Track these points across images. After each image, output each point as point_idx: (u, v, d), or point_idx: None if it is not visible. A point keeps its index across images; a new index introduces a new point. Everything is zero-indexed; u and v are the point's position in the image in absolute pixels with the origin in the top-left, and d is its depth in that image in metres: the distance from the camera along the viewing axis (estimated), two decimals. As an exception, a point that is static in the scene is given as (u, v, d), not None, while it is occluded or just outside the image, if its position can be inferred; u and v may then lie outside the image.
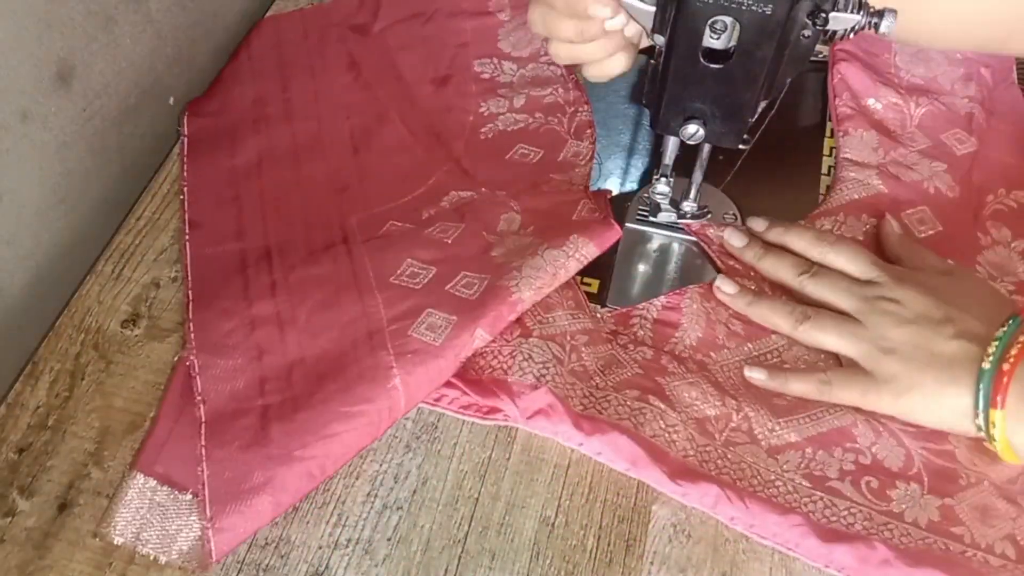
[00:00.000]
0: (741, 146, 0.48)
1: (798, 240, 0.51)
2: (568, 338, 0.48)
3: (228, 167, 0.58)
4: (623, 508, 0.44)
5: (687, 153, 0.50)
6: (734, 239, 0.52)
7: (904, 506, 0.43)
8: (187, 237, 0.54)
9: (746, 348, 0.49)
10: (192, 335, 0.49)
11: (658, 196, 0.53)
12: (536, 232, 0.51)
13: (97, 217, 0.55)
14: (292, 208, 0.56)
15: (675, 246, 0.54)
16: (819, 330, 0.47)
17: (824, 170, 0.58)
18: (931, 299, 0.45)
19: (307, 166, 0.58)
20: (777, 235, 0.52)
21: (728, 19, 0.41)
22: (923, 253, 0.50)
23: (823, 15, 0.41)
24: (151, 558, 0.42)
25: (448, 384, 0.46)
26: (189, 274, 0.52)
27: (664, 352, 0.48)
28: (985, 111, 0.59)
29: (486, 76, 0.63)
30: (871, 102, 0.60)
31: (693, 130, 0.46)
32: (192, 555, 0.41)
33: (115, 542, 0.42)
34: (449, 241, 0.51)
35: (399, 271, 0.50)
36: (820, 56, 0.63)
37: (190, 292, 0.51)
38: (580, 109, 0.60)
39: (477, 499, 0.45)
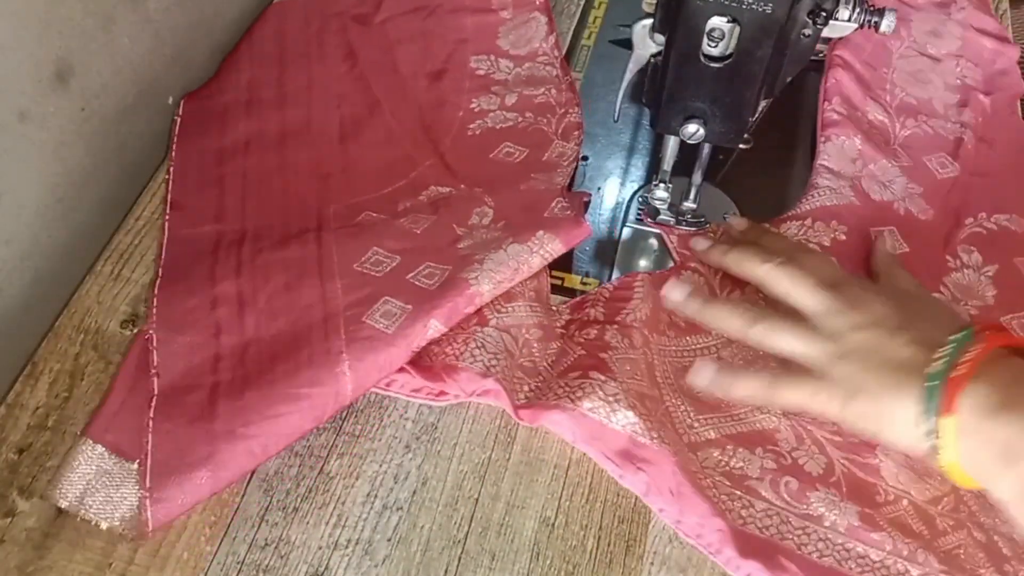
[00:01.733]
0: (742, 146, 0.48)
1: (773, 244, 0.50)
2: (523, 331, 0.48)
3: (216, 148, 0.58)
4: (623, 508, 0.44)
5: (688, 154, 0.50)
6: (699, 244, 0.52)
7: (823, 509, 0.43)
8: (167, 217, 0.54)
9: (685, 340, 0.49)
10: (154, 310, 0.49)
11: (657, 201, 0.53)
12: (506, 227, 0.51)
13: (96, 217, 0.54)
14: (273, 193, 0.56)
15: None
16: (773, 332, 0.45)
17: (824, 169, 0.58)
18: (891, 307, 0.44)
19: (293, 152, 0.58)
20: (755, 236, 0.51)
21: (726, 27, 0.41)
22: (901, 274, 0.49)
23: (823, 14, 0.41)
24: (93, 523, 0.42)
25: (399, 369, 0.46)
26: (163, 252, 0.53)
27: (611, 325, 0.48)
28: (976, 138, 0.59)
29: (481, 73, 0.63)
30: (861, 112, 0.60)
31: (693, 129, 0.46)
32: (131, 523, 0.42)
33: (60, 504, 0.43)
34: (418, 232, 0.52)
35: (363, 258, 0.50)
36: (820, 55, 0.63)
37: (160, 270, 0.52)
38: (570, 111, 0.60)
39: (477, 499, 0.45)
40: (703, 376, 0.46)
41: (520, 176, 0.55)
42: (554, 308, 0.51)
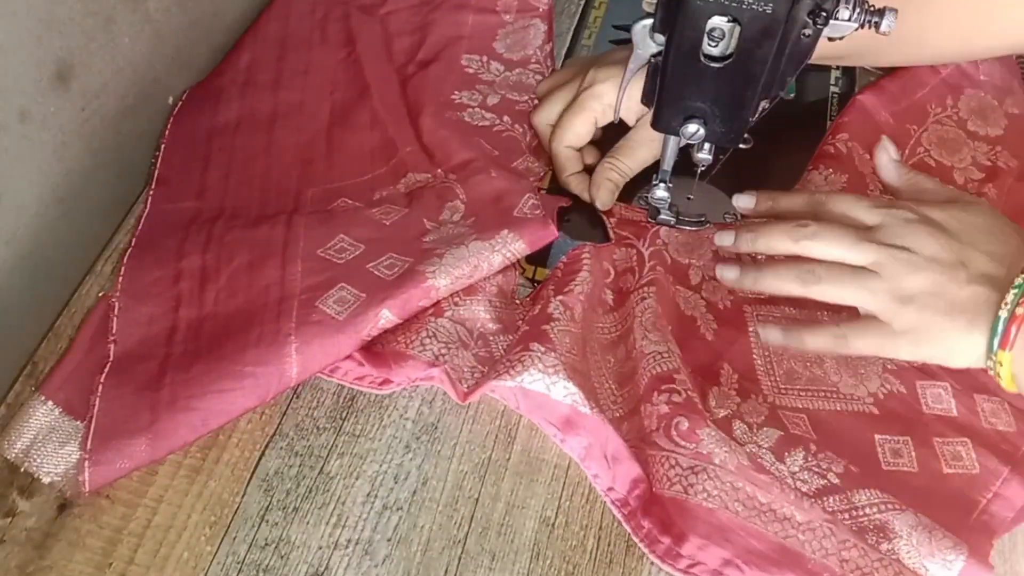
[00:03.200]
0: (742, 145, 0.48)
1: (790, 204, 0.51)
2: (478, 324, 0.49)
3: (208, 127, 0.59)
4: (623, 508, 0.44)
5: (688, 155, 0.50)
6: (723, 239, 0.51)
7: (712, 446, 0.43)
8: (151, 192, 0.55)
9: (612, 316, 0.51)
10: (120, 278, 0.50)
11: (657, 201, 0.53)
12: (475, 224, 0.52)
13: (96, 217, 0.54)
14: (255, 174, 0.57)
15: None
16: (837, 286, 0.45)
17: (824, 169, 0.58)
18: (941, 239, 0.45)
19: (281, 135, 0.59)
20: (767, 206, 0.51)
21: (726, 26, 0.41)
22: (922, 181, 0.50)
23: (823, 14, 0.41)
24: (35, 476, 0.44)
25: (346, 357, 0.47)
26: (140, 224, 0.53)
27: (556, 296, 0.48)
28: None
29: (471, 71, 0.63)
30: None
31: (693, 129, 0.46)
32: (71, 482, 0.43)
33: (5, 455, 0.44)
34: (387, 223, 0.52)
35: (328, 244, 0.51)
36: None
37: (133, 239, 0.53)
38: None
39: (477, 499, 0.45)
40: (774, 336, 0.48)
41: (493, 164, 0.56)
42: (517, 302, 0.51)
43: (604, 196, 0.54)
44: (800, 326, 0.48)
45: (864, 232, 0.46)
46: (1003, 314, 0.42)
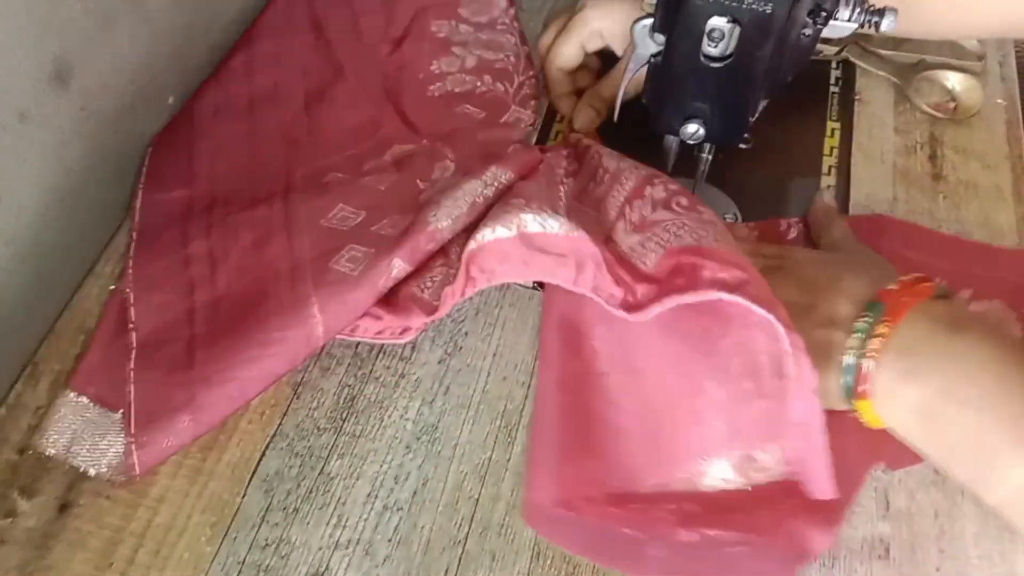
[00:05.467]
0: (742, 145, 0.48)
1: None
2: None
3: (187, 115, 0.60)
4: (623, 508, 0.44)
5: (688, 154, 0.50)
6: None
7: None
8: (141, 184, 0.56)
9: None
10: (130, 271, 0.51)
11: None
12: (467, 175, 0.53)
13: (96, 217, 0.54)
14: (240, 159, 0.57)
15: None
16: None
17: (824, 170, 0.58)
18: (796, 286, 0.45)
19: (260, 119, 0.59)
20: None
21: (726, 27, 0.41)
22: (834, 225, 0.51)
23: (823, 14, 0.41)
24: (81, 470, 0.44)
25: (364, 315, 0.47)
26: (137, 216, 0.54)
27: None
28: None
29: (442, 35, 0.64)
30: None
31: (693, 129, 0.46)
32: (118, 469, 0.44)
33: (47, 453, 0.45)
34: (383, 188, 0.54)
35: (330, 215, 0.52)
36: (820, 55, 0.63)
37: (134, 234, 0.53)
38: (527, 81, 0.62)
39: (477, 500, 0.45)
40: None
41: (479, 128, 0.57)
42: None
43: (581, 120, 0.58)
44: None
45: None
46: (849, 360, 0.41)
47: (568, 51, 0.58)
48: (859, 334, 0.42)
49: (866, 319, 0.42)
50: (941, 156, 0.59)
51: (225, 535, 0.43)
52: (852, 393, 0.41)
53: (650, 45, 0.45)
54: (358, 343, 0.50)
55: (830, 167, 0.58)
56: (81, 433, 0.45)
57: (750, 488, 0.43)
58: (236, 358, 0.45)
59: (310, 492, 0.45)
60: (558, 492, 0.43)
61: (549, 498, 0.43)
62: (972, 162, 0.59)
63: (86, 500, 0.44)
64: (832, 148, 0.60)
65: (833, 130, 0.61)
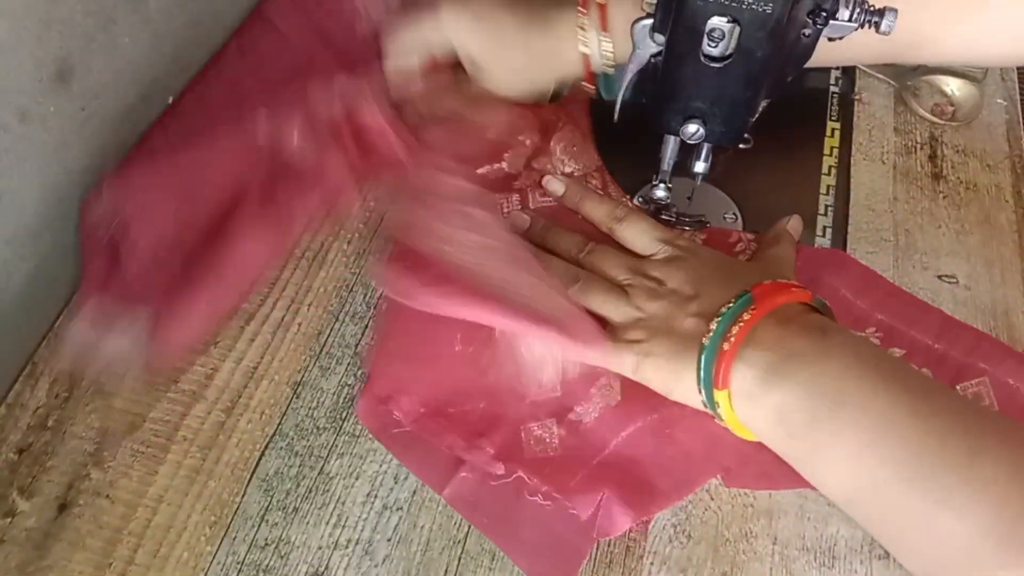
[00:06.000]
0: (742, 146, 0.48)
1: (592, 210, 0.53)
2: None
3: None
4: (623, 508, 0.44)
5: (688, 153, 0.50)
6: (553, 185, 0.55)
7: None
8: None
9: None
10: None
11: (656, 201, 0.53)
12: None
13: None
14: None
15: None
16: (586, 293, 0.48)
17: (824, 170, 0.58)
18: (688, 277, 0.46)
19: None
20: (572, 201, 0.54)
21: (726, 27, 0.41)
22: (780, 244, 0.50)
23: (823, 14, 0.41)
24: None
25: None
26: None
27: None
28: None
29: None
30: None
31: (693, 129, 0.46)
32: (139, 364, 0.47)
33: (68, 352, 0.48)
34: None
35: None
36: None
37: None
38: None
39: (477, 499, 0.45)
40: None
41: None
42: None
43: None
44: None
45: (635, 257, 0.50)
46: (706, 342, 0.42)
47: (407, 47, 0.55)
48: (721, 319, 0.42)
49: (730, 305, 0.42)
50: (941, 156, 0.59)
51: (224, 535, 0.43)
52: (710, 382, 0.41)
53: (650, 45, 0.45)
54: (357, 343, 0.50)
55: (830, 167, 0.58)
56: (101, 337, 0.47)
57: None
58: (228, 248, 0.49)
59: (310, 492, 0.45)
60: (389, 390, 0.47)
61: (380, 394, 0.47)
62: (972, 162, 0.59)
63: (86, 500, 0.44)
64: (832, 148, 0.60)
65: (833, 130, 0.61)
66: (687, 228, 0.54)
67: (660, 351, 0.44)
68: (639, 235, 0.50)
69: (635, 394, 0.47)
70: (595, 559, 0.43)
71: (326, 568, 0.42)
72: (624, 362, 0.45)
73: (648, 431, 0.46)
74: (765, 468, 0.45)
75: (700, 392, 0.42)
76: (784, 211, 0.55)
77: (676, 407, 0.46)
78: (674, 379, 0.44)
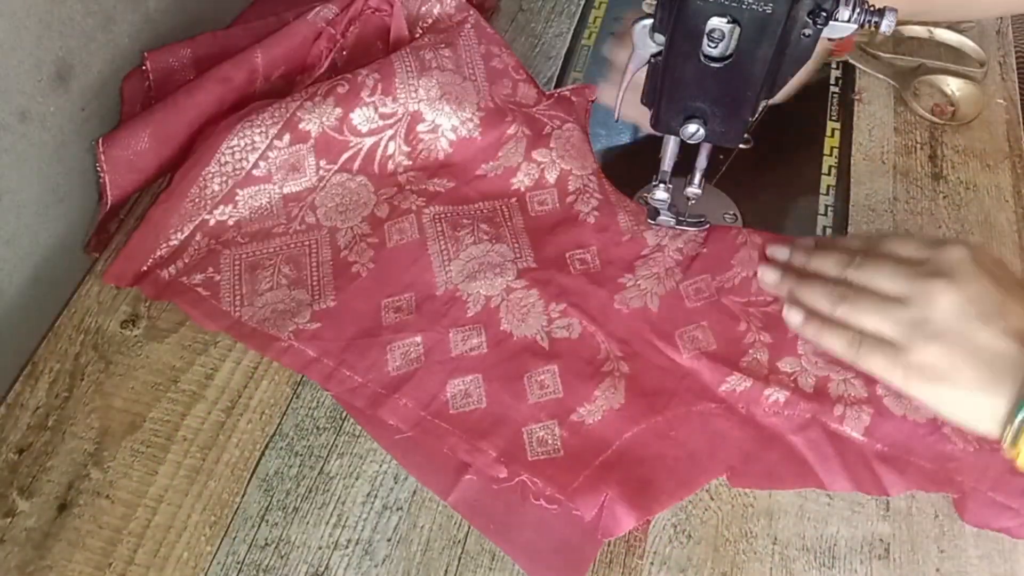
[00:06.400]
0: (742, 145, 0.48)
1: (822, 264, 0.47)
2: None
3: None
4: (623, 508, 0.44)
5: (687, 154, 0.50)
6: (767, 276, 0.50)
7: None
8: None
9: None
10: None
11: (657, 202, 0.53)
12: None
13: (96, 216, 0.54)
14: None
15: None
16: (856, 311, 0.43)
17: (824, 170, 0.58)
18: (977, 285, 0.41)
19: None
20: (801, 261, 0.49)
21: (726, 27, 0.41)
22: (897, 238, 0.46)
23: (823, 14, 0.41)
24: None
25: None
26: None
27: None
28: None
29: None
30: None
31: (693, 129, 0.46)
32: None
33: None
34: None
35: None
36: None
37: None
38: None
39: (477, 499, 0.45)
40: (794, 319, 0.47)
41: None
42: None
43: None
44: (823, 322, 0.46)
45: (910, 267, 0.43)
46: None
47: None
48: None
49: None
50: (941, 156, 0.59)
51: (224, 535, 0.43)
52: (1017, 439, 0.38)
53: (650, 45, 0.45)
54: (358, 343, 0.50)
55: (830, 167, 0.58)
56: None
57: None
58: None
59: (310, 491, 0.45)
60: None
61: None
62: (972, 162, 0.59)
63: (85, 500, 0.44)
64: (832, 148, 0.60)
65: (833, 130, 0.61)
66: (688, 228, 0.54)
67: (961, 374, 0.39)
68: (900, 245, 0.45)
69: (639, 396, 0.47)
70: (595, 558, 0.43)
71: (326, 568, 0.42)
72: (908, 381, 0.41)
73: (652, 432, 0.46)
74: (769, 468, 0.45)
75: (1010, 424, 0.38)
76: (784, 211, 0.55)
77: (681, 408, 0.46)
78: (974, 405, 0.39)
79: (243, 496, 0.44)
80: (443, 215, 0.54)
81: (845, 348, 0.44)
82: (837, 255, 0.47)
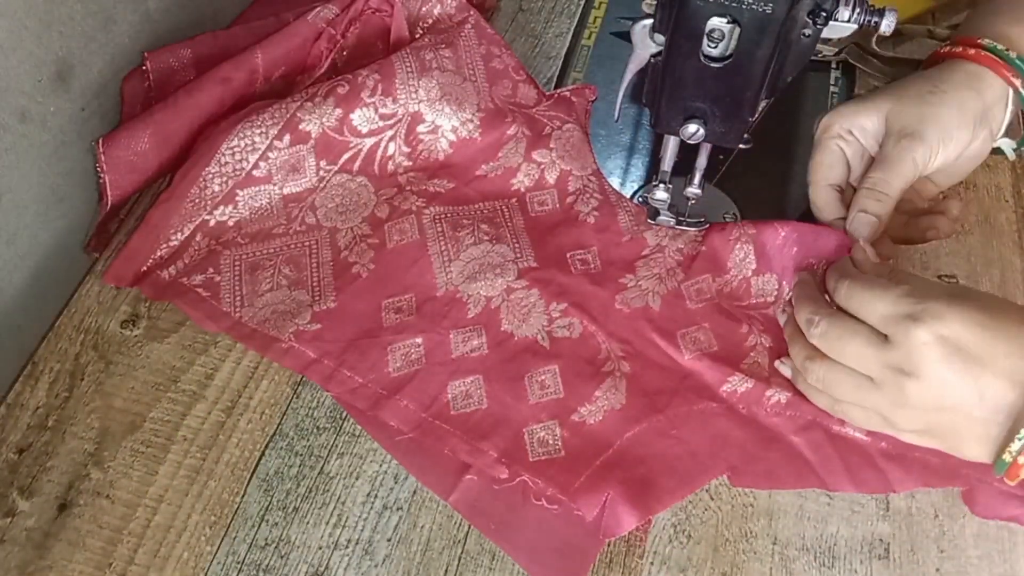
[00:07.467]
0: (742, 146, 0.48)
1: (797, 315, 0.45)
2: None
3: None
4: (623, 508, 0.44)
5: (687, 154, 0.50)
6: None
7: None
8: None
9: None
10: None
11: (657, 202, 0.53)
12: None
13: (96, 216, 0.54)
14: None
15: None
16: (830, 385, 0.43)
17: (824, 169, 0.58)
18: (958, 361, 0.38)
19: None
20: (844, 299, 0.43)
21: (725, 27, 0.41)
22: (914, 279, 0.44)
23: (823, 14, 0.41)
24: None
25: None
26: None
27: None
28: None
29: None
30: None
31: (693, 129, 0.46)
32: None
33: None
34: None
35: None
36: (820, 56, 0.63)
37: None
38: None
39: (477, 499, 0.45)
40: (785, 371, 0.47)
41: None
42: None
43: (861, 228, 0.48)
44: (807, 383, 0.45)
45: (876, 338, 0.41)
46: (1007, 458, 0.38)
47: (826, 159, 0.50)
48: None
49: None
50: (941, 156, 0.59)
51: (224, 535, 0.43)
52: (1005, 469, 0.39)
53: (650, 45, 0.45)
54: (358, 343, 0.50)
55: (830, 167, 0.58)
56: None
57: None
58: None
59: (310, 491, 0.45)
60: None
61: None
62: (972, 162, 0.59)
63: (86, 500, 0.44)
64: (832, 148, 0.59)
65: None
66: (688, 228, 0.54)
67: (955, 434, 0.40)
68: (866, 304, 0.41)
69: (640, 396, 0.47)
70: (596, 559, 0.43)
71: (326, 568, 0.42)
72: (902, 435, 0.42)
73: (653, 432, 0.46)
74: (770, 468, 0.45)
75: (997, 459, 0.39)
76: (784, 211, 0.55)
77: (682, 408, 0.46)
78: (968, 445, 0.40)
79: (243, 496, 0.44)
80: (443, 216, 0.54)
81: (829, 408, 0.45)
82: (808, 308, 0.44)
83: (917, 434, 0.42)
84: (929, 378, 0.39)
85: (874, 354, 0.40)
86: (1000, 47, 0.49)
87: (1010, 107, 0.50)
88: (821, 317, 0.43)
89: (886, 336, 0.40)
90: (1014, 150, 0.54)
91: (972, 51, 0.49)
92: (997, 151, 0.54)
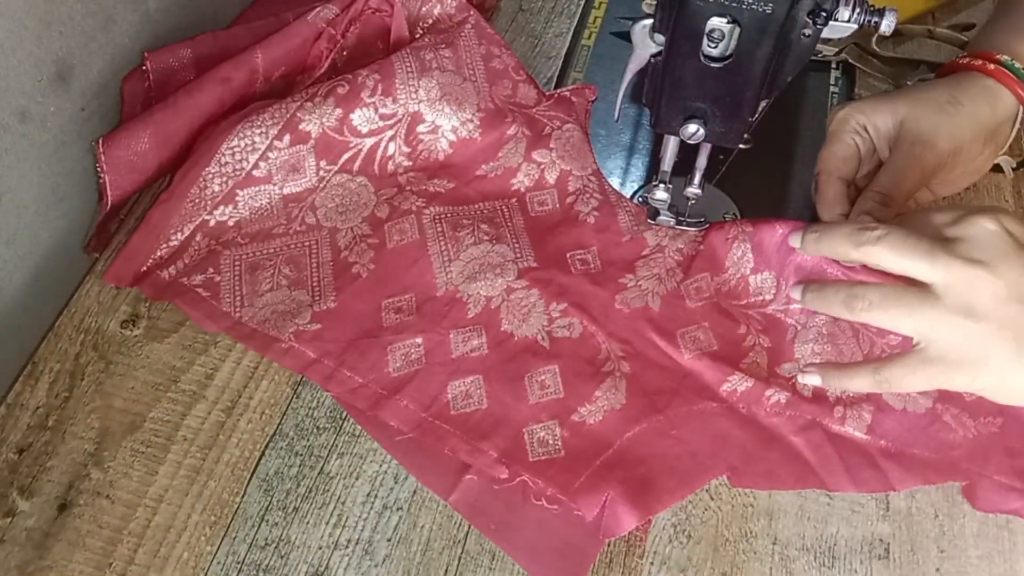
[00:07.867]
0: (742, 146, 0.48)
1: (832, 246, 0.44)
2: None
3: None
4: (623, 508, 0.44)
5: (687, 154, 0.50)
6: (793, 242, 0.48)
7: None
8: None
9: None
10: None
11: (657, 202, 0.53)
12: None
13: (96, 217, 0.54)
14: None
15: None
16: (889, 314, 0.41)
17: (824, 169, 0.58)
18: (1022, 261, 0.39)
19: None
20: (812, 247, 0.45)
21: (725, 27, 0.41)
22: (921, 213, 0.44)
23: (823, 14, 0.41)
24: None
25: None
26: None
27: None
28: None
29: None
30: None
31: (693, 129, 0.46)
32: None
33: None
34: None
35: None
36: (820, 56, 0.63)
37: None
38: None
39: (477, 499, 0.45)
40: (812, 380, 0.46)
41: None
42: None
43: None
44: (836, 367, 0.45)
45: (939, 243, 0.40)
46: None
47: (840, 152, 0.50)
48: None
49: None
50: (941, 156, 0.59)
51: (224, 535, 0.43)
52: None
53: (650, 45, 0.45)
54: (358, 343, 0.50)
55: (830, 167, 0.58)
56: None
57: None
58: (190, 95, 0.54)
59: (310, 491, 0.45)
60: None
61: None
62: (972, 162, 0.59)
63: (86, 500, 0.44)
64: (832, 148, 0.59)
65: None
66: (688, 229, 0.54)
67: (1010, 360, 0.39)
68: (907, 250, 0.41)
69: (640, 396, 0.47)
70: (596, 559, 0.43)
71: (326, 568, 0.42)
72: (954, 380, 0.41)
73: (653, 432, 0.46)
74: (770, 468, 0.45)
75: None
76: (784, 211, 0.55)
77: (682, 408, 0.46)
78: (1020, 386, 0.40)
79: (243, 496, 0.44)
80: (443, 216, 0.54)
81: (872, 385, 0.43)
82: (847, 229, 0.43)
83: (991, 335, 0.39)
84: (1000, 264, 0.39)
85: (942, 251, 0.39)
86: (1018, 65, 0.49)
87: (1017, 125, 0.50)
88: (878, 225, 0.42)
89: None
90: (1013, 168, 0.54)
91: (991, 66, 0.49)
92: (996, 168, 0.54)
